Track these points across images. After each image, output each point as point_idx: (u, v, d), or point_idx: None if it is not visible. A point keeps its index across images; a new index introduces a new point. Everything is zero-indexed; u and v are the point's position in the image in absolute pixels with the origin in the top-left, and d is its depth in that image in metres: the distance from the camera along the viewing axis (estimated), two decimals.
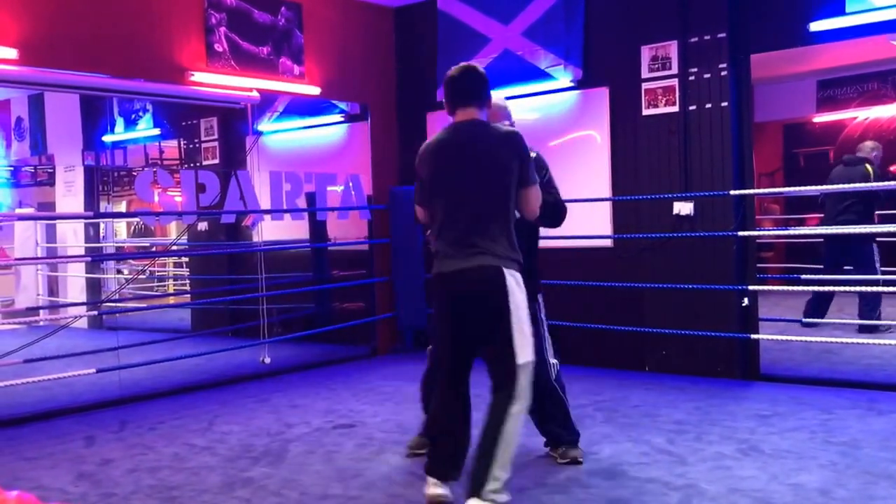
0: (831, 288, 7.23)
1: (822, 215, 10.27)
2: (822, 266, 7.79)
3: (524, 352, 3.21)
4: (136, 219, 11.37)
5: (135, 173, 10.05)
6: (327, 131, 8.40)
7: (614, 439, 4.46)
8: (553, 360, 4.04)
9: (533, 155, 3.55)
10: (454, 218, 3.29)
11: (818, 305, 7.40)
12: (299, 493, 3.76)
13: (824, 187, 7.53)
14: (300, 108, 8.42)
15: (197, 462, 4.30)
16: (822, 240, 7.86)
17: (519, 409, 3.20)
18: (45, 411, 5.51)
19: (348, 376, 6.62)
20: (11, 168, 11.16)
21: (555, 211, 3.93)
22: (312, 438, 4.71)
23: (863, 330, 7.19)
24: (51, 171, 10.82)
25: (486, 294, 3.21)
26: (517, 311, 3.19)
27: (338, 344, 7.69)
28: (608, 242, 6.56)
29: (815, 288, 7.42)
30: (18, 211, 11.36)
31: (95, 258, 10.11)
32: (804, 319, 7.22)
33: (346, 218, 7.65)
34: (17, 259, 10.58)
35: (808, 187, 7.66)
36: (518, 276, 3.23)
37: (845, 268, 7.60)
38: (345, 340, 7.73)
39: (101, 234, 10.71)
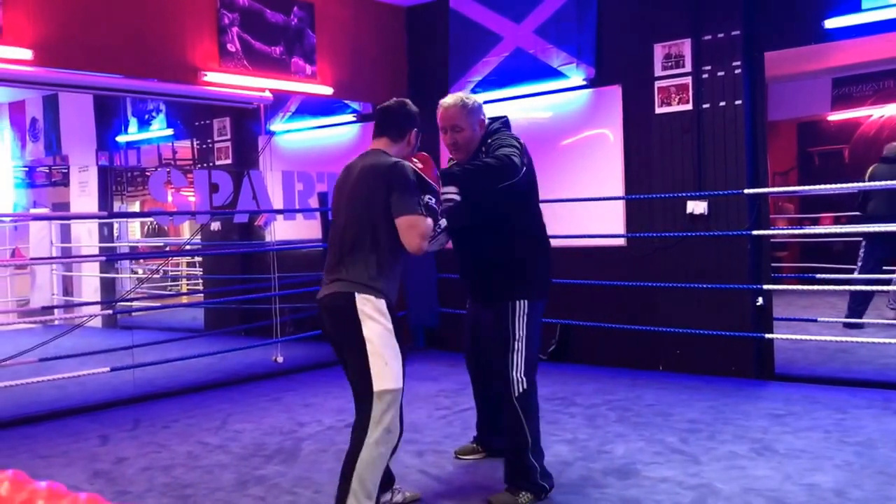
0: (872, 287, 7.13)
1: (834, 214, 10.25)
2: (859, 265, 7.67)
3: (383, 380, 2.99)
4: (150, 219, 11.42)
5: (148, 173, 10.10)
6: (339, 131, 8.41)
7: (628, 438, 4.44)
8: (519, 377, 3.52)
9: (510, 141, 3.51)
10: (331, 245, 3.22)
11: (859, 305, 7.32)
12: (312, 490, 3.77)
13: (867, 184, 7.45)
14: (312, 107, 8.44)
15: (210, 460, 4.32)
16: (835, 238, 7.80)
17: (376, 438, 2.99)
18: (59, 410, 5.54)
19: None
20: (26, 168, 11.23)
21: (483, 172, 3.38)
22: (325, 437, 4.71)
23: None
24: (65, 171, 10.89)
25: (336, 321, 3.08)
26: (373, 337, 2.98)
27: None
28: (621, 241, 6.54)
29: (843, 287, 7.38)
30: (33, 211, 11.44)
31: (110, 258, 10.16)
32: (846, 320, 7.18)
33: None
34: (32, 259, 10.65)
35: (823, 186, 7.59)
36: (379, 302, 3.01)
37: (884, 267, 7.55)
38: None
39: (116, 234, 10.77)
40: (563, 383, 5.93)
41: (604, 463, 4.02)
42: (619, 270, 6.48)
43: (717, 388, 5.64)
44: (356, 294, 2.99)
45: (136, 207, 11.50)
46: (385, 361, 3.00)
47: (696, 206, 6.10)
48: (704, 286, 6.00)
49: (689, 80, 6.13)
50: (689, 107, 6.13)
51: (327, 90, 7.12)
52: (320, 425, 4.99)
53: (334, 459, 4.25)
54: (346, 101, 7.89)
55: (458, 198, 3.34)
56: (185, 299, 11.05)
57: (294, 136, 8.94)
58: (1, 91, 9.54)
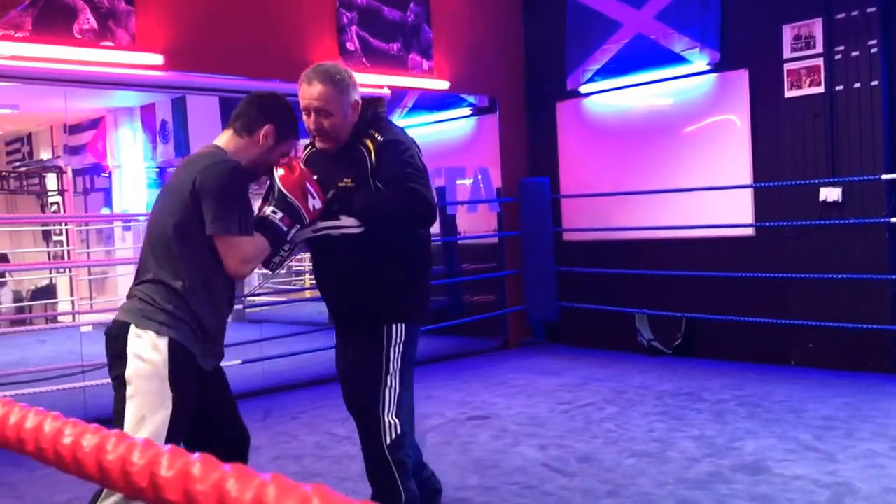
0: None
1: None
2: None
3: (141, 431, 2.31)
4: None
5: None
6: (456, 125, 8.45)
7: (758, 435, 4.28)
8: (391, 420, 2.77)
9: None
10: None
11: None
12: None
13: None
14: (429, 102, 8.50)
15: (338, 451, 4.42)
16: None
17: (113, 500, 2.30)
18: None
19: (480, 368, 6.64)
20: (158, 169, 11.76)
21: (398, 215, 2.79)
22: (448, 429, 4.75)
23: None
24: None
25: (107, 354, 2.43)
26: (138, 380, 2.33)
27: (469, 336, 7.73)
28: (749, 231, 6.30)
29: None
30: None
31: None
32: None
33: (476, 211, 7.66)
34: None
35: None
36: (158, 341, 2.33)
37: None
38: (476, 333, 7.76)
39: None
40: (690, 378, 5.77)
41: (732, 459, 3.89)
42: (747, 261, 6.26)
43: (853, 383, 5.36)
44: (133, 326, 2.35)
45: (255, 205, 11.88)
46: (142, 419, 2.32)
47: (830, 193, 5.81)
48: (839, 276, 5.72)
49: (820, 61, 5.84)
50: (821, 89, 5.84)
51: (444, 84, 7.16)
52: (443, 417, 5.03)
53: (457, 452, 4.28)
54: (462, 95, 7.91)
55: (357, 231, 2.71)
56: (307, 294, 11.36)
57: (411, 131, 9.01)
58: (134, 95, 10.03)
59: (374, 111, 2.91)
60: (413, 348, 2.91)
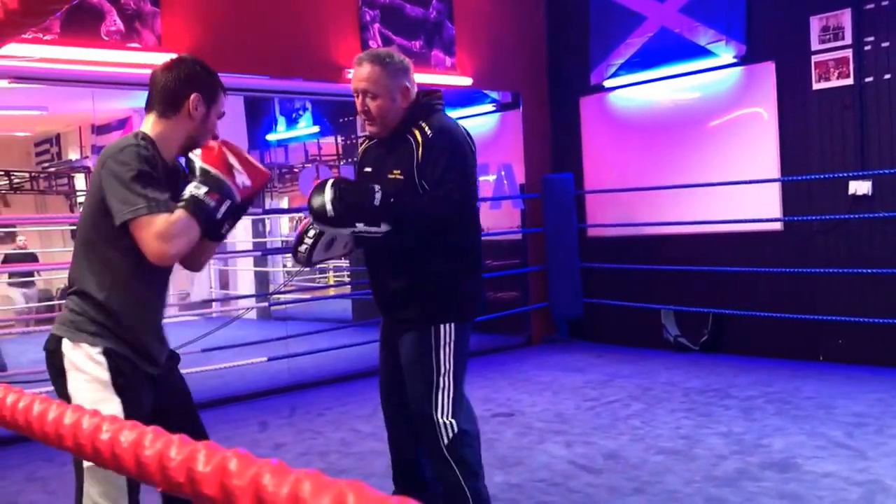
0: None
1: None
2: None
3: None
4: (300, 214, 11.83)
5: (296, 170, 10.48)
6: (479, 121, 8.43)
7: (787, 432, 4.23)
8: (446, 421, 2.74)
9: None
10: None
11: None
12: None
13: None
14: (451, 99, 8.49)
15: (363, 447, 4.43)
16: None
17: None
18: (221, 397, 5.83)
19: (504, 365, 6.64)
20: None
21: (425, 218, 2.70)
22: None
23: None
24: None
25: (48, 370, 2.27)
26: (81, 392, 2.19)
27: (493, 333, 7.72)
28: (777, 226, 6.24)
29: None
30: None
31: (265, 252, 10.61)
32: None
33: (499, 208, 7.65)
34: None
35: None
36: (92, 351, 2.19)
37: None
38: (499, 330, 7.75)
39: (268, 230, 11.25)
40: (717, 374, 5.72)
41: (761, 456, 3.85)
42: (775, 256, 6.19)
43: (885, 379, 5.29)
44: (65, 340, 2.21)
45: (284, 204, 11.96)
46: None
47: (860, 187, 5.74)
48: (869, 271, 5.64)
49: (849, 52, 5.77)
50: (850, 81, 5.77)
51: (466, 81, 7.15)
52: None
53: (483, 448, 4.22)
54: (485, 91, 7.90)
55: (382, 231, 2.58)
56: (331, 291, 11.41)
57: None
58: None
59: (430, 101, 2.84)
60: (465, 345, 2.84)
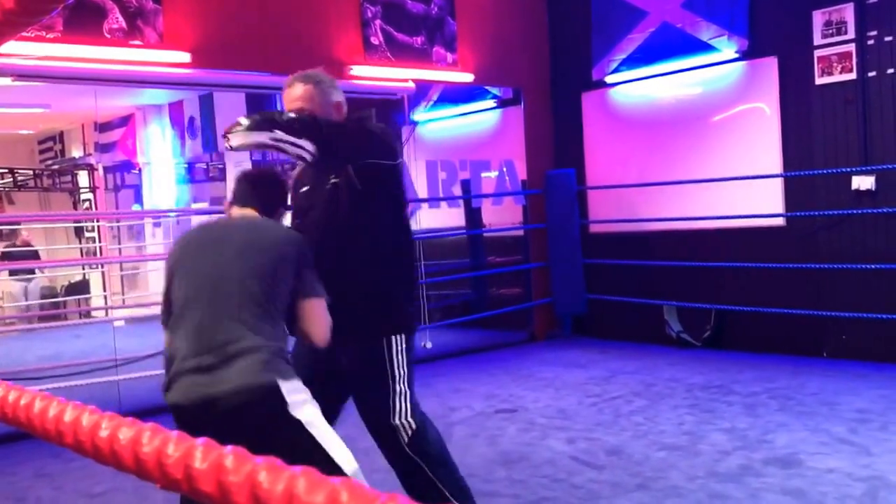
0: None
1: None
2: None
3: (337, 452, 2.48)
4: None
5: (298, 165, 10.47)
6: (481, 118, 8.43)
7: (790, 428, 4.23)
8: (404, 422, 2.74)
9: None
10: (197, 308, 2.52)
11: None
12: (466, 474, 3.76)
13: None
14: (453, 95, 8.49)
15: (367, 443, 4.40)
16: None
17: None
18: None
19: (507, 362, 6.64)
20: (186, 165, 11.85)
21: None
22: (476, 422, 4.75)
23: None
24: (221, 167, 11.45)
25: (254, 422, 2.35)
26: (314, 417, 2.41)
27: (495, 329, 7.73)
28: (780, 221, 6.23)
29: None
30: (194, 206, 12.12)
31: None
32: None
33: (501, 204, 7.65)
34: None
35: None
36: (297, 383, 2.38)
37: None
38: (502, 326, 7.75)
39: None
40: (720, 371, 5.72)
41: (764, 452, 3.85)
42: (778, 252, 6.18)
43: (889, 375, 5.29)
44: (278, 381, 2.30)
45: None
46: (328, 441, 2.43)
47: (863, 182, 5.73)
48: (873, 266, 5.63)
49: (852, 47, 5.75)
50: (853, 76, 5.75)
51: (468, 77, 7.15)
52: (471, 410, 5.03)
53: (486, 444, 4.28)
54: (486, 87, 7.89)
55: (310, 150, 2.51)
56: None
57: (436, 124, 9.04)
58: (162, 93, 10.13)
59: (359, 117, 2.93)
60: (413, 349, 2.83)
